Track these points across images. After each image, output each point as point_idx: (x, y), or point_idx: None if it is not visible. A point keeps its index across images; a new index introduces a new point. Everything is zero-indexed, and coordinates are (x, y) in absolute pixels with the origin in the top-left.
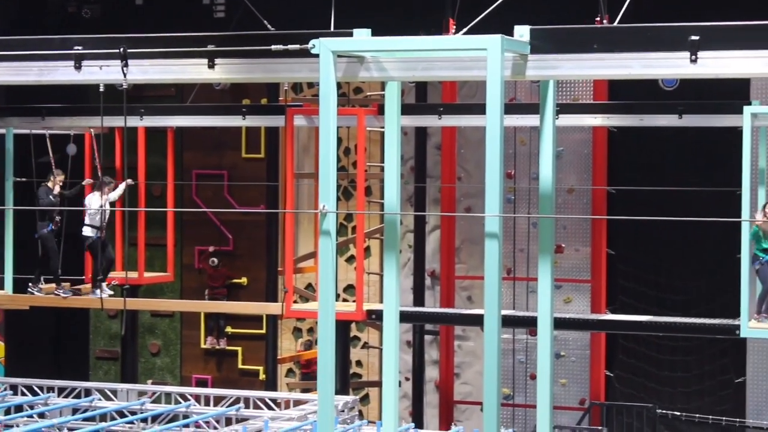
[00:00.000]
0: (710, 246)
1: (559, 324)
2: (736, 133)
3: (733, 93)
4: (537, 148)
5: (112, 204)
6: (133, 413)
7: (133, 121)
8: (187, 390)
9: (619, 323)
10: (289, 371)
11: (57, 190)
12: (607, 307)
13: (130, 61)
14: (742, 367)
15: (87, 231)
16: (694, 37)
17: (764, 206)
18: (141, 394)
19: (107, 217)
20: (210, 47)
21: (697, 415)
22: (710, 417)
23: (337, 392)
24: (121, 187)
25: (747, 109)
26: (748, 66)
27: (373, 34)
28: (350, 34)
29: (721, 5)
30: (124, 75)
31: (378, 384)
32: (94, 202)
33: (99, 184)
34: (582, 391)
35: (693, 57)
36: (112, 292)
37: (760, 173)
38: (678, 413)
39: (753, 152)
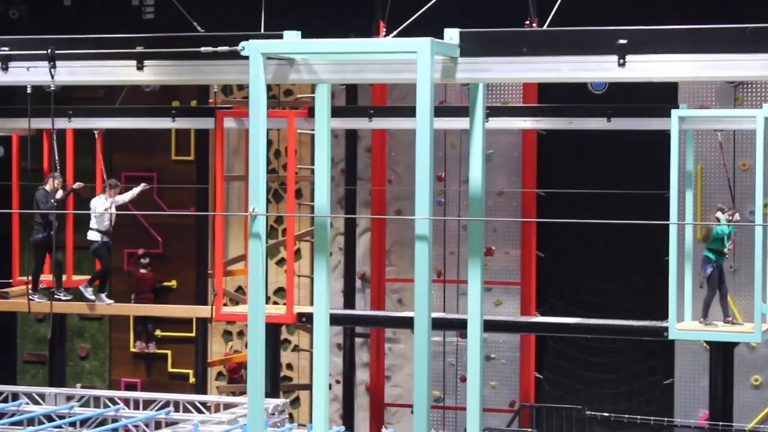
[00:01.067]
0: (639, 248)
1: (489, 326)
2: (665, 136)
3: (661, 97)
4: (467, 150)
5: (122, 207)
6: (61, 417)
7: (62, 123)
8: (116, 394)
9: (549, 325)
10: (219, 374)
11: (60, 194)
12: (536, 310)
13: (58, 63)
14: (670, 369)
15: (93, 235)
16: (622, 41)
17: (720, 210)
18: (69, 398)
19: (113, 220)
20: (139, 49)
21: (626, 416)
22: (639, 417)
23: (268, 395)
24: (136, 190)
25: (675, 113)
26: (675, 70)
27: (304, 36)
28: (280, 37)
29: (649, 10)
30: (52, 76)
31: (308, 387)
32: (99, 205)
33: (104, 187)
34: (512, 393)
35: (621, 61)
36: (93, 298)
37: (687, 176)
38: (607, 414)
39: (681, 155)
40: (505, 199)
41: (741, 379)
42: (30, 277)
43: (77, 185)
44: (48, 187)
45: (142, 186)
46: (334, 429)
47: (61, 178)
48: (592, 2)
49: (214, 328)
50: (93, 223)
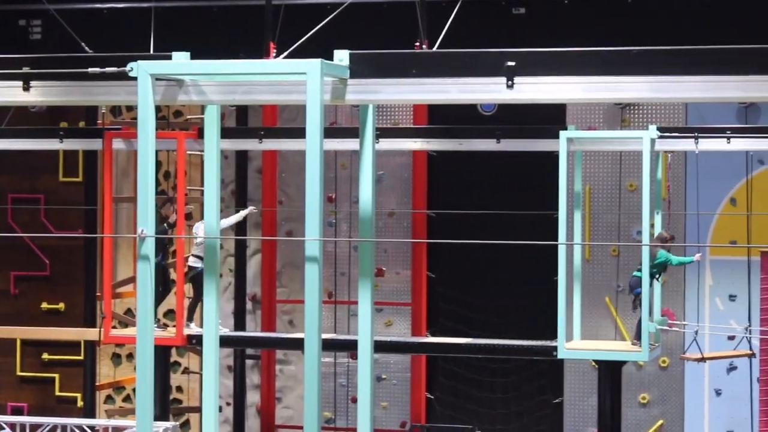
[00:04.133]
0: (529, 268)
1: (380, 347)
2: (553, 157)
3: (549, 118)
4: (357, 171)
5: (226, 232)
6: None
7: None
8: (2, 418)
9: (440, 346)
10: (108, 398)
11: (173, 218)
12: (427, 330)
13: None
14: (559, 388)
15: (194, 261)
16: (510, 63)
17: (659, 236)
18: None
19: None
20: (25, 69)
21: None
22: None
23: (157, 418)
24: (242, 213)
25: (563, 134)
26: (563, 92)
27: (193, 57)
28: (169, 58)
29: (536, 33)
30: None
31: (198, 409)
32: (202, 230)
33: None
34: (403, 414)
35: (509, 82)
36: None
37: (576, 197)
38: None
39: (569, 176)
40: (396, 219)
41: (629, 397)
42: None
43: (252, 209)
44: (163, 213)
45: (249, 209)
46: None
47: (175, 204)
48: (481, 25)
49: (102, 351)
50: (195, 249)
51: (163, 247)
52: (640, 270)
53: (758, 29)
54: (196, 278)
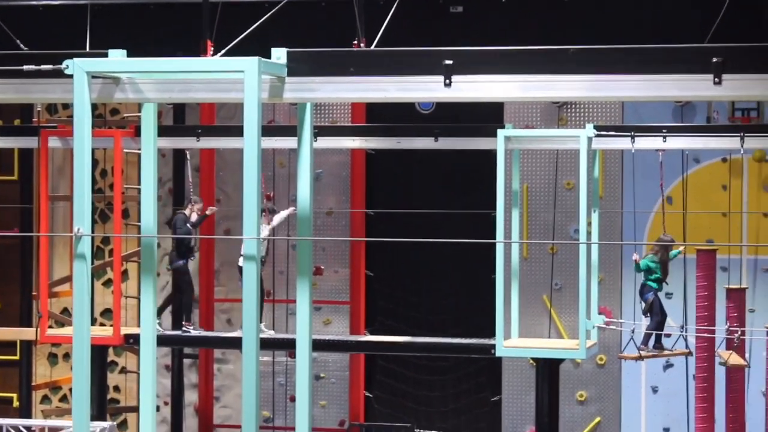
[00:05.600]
0: (467, 267)
1: (319, 346)
2: (491, 155)
3: (487, 116)
4: (296, 170)
5: (275, 231)
6: None
7: None
8: None
9: (378, 344)
10: (45, 398)
11: (194, 218)
12: (366, 329)
13: None
14: (497, 386)
15: (241, 261)
16: (448, 62)
17: (659, 239)
18: None
19: (267, 247)
20: None
21: None
22: None
23: (94, 418)
24: (284, 213)
25: (501, 133)
26: (500, 90)
27: (130, 55)
28: (105, 55)
29: (474, 31)
30: None
31: (136, 409)
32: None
33: (260, 212)
34: (342, 412)
35: (447, 81)
36: (273, 332)
37: (513, 195)
38: None
39: (507, 175)
40: (334, 218)
41: (566, 394)
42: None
43: (210, 210)
44: (187, 212)
45: (291, 209)
46: None
47: (201, 203)
48: (419, 23)
49: (39, 351)
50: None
51: (188, 248)
52: (649, 278)
53: (695, 28)
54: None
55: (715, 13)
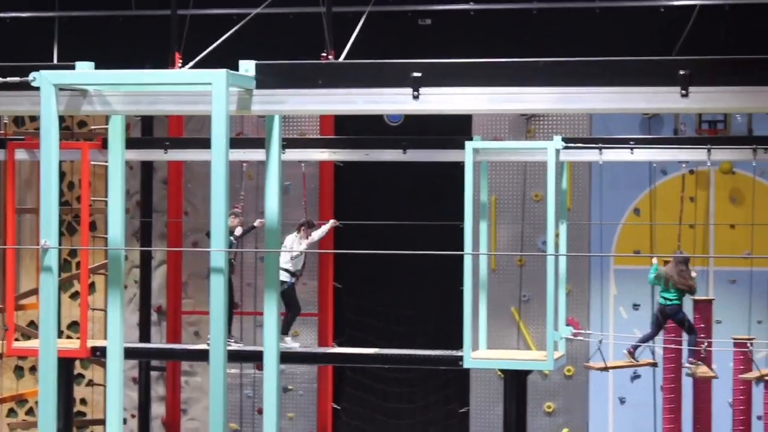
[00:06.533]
0: (435, 278)
1: (286, 358)
2: (459, 167)
3: (456, 128)
4: (264, 182)
5: (313, 246)
6: None
7: None
8: None
9: (346, 356)
10: (11, 411)
11: (239, 231)
12: (334, 341)
13: None
14: (465, 397)
15: (283, 276)
16: (416, 74)
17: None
18: None
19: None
20: None
21: None
22: None
23: (60, 431)
24: (326, 227)
25: (469, 145)
26: (468, 102)
27: (97, 67)
28: (73, 67)
29: (442, 44)
30: None
31: (103, 422)
32: (295, 244)
33: (299, 225)
34: (309, 425)
35: (415, 93)
36: (298, 344)
37: (481, 207)
38: None
39: (475, 186)
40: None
41: (534, 406)
42: None
43: (258, 222)
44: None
45: (332, 222)
46: None
47: (241, 216)
48: (388, 36)
49: (5, 364)
50: (285, 263)
51: (228, 262)
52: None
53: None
54: (285, 293)
55: (682, 27)
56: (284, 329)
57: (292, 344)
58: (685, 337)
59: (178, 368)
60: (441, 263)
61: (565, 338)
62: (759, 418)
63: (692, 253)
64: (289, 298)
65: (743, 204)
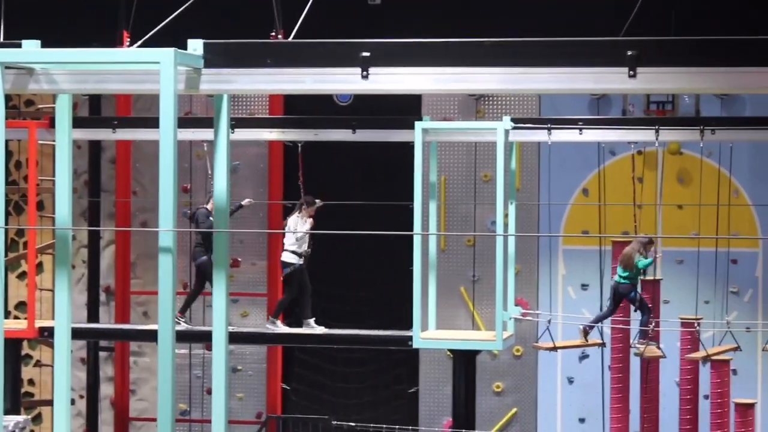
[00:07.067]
0: (385, 259)
1: (235, 338)
2: (409, 148)
3: (406, 109)
4: (213, 161)
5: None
6: None
7: None
8: None
9: (295, 336)
10: None
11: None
12: (283, 321)
13: None
14: (414, 377)
15: (289, 257)
16: (365, 54)
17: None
18: None
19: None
20: None
21: (372, 425)
22: (384, 426)
23: (8, 412)
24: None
25: (418, 125)
26: (417, 82)
27: (44, 45)
28: (19, 45)
29: (392, 24)
30: None
31: (51, 402)
32: (299, 225)
33: (299, 205)
34: (259, 405)
35: (364, 73)
36: (323, 328)
37: (431, 187)
38: (353, 424)
39: (424, 167)
40: (252, 210)
41: (483, 386)
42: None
43: (246, 202)
44: (210, 206)
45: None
46: None
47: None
48: (338, 16)
49: None
50: (290, 245)
51: (212, 244)
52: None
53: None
54: (292, 275)
55: (630, 7)
56: (303, 312)
57: (316, 328)
58: (635, 317)
59: (126, 349)
60: (391, 243)
61: (514, 318)
62: (706, 397)
63: (640, 234)
64: (299, 280)
65: (691, 184)
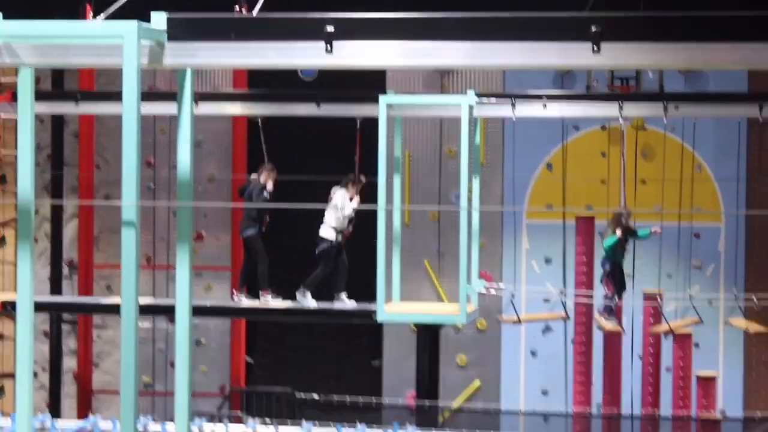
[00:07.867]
0: (350, 233)
1: (199, 311)
2: (373, 122)
3: (371, 83)
4: (176, 136)
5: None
6: None
7: None
8: None
9: (259, 310)
10: None
11: (270, 186)
12: (247, 294)
13: None
14: (378, 351)
15: (327, 233)
16: (329, 28)
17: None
18: None
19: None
20: None
21: (336, 397)
22: (348, 398)
23: None
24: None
25: (383, 99)
26: (381, 57)
27: (5, 17)
28: None
29: None
30: None
31: (13, 376)
32: (345, 200)
33: (347, 181)
34: (222, 378)
35: (328, 47)
36: (353, 302)
37: (395, 162)
38: (317, 397)
39: (389, 141)
40: (216, 185)
41: (447, 359)
42: None
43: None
44: (262, 179)
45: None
46: (39, 417)
47: (275, 170)
48: None
49: None
50: (330, 219)
51: (261, 218)
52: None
53: None
54: (327, 251)
55: None
56: (338, 287)
57: (348, 302)
58: (599, 292)
59: (89, 322)
60: (355, 218)
61: (478, 292)
62: (668, 369)
63: (605, 209)
64: (334, 256)
65: (654, 159)
